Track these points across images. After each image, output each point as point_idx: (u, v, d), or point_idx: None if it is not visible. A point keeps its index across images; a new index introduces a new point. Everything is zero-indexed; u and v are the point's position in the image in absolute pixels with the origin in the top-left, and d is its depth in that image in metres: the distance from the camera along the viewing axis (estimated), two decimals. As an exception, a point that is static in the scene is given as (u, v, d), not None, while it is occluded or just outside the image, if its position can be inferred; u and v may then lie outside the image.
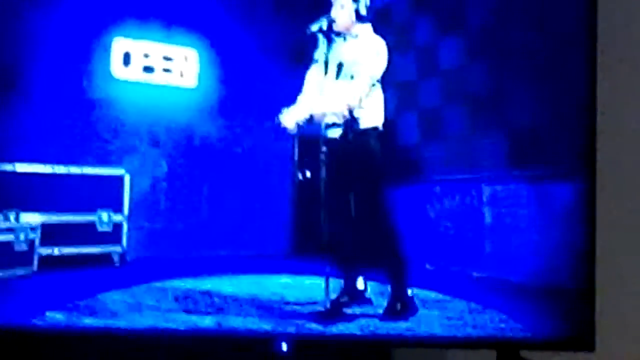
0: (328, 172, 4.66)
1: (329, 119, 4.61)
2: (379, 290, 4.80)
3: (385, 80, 4.69)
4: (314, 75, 4.76)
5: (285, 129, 4.85)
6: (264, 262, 6.76)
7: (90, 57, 6.80)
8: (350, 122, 4.51)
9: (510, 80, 5.62)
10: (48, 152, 6.34)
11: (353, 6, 4.58)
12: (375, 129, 4.58)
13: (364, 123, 4.54)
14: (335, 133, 4.61)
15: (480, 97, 5.95)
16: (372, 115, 4.57)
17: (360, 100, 4.49)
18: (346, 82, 4.56)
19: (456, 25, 6.25)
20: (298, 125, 4.82)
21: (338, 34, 4.64)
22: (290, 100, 4.91)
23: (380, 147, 4.61)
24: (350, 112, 4.50)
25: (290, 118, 4.82)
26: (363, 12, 4.60)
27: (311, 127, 4.80)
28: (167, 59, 7.21)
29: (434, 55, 6.51)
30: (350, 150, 4.56)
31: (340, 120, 4.56)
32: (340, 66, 4.57)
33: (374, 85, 4.54)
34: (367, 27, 4.65)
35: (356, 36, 4.61)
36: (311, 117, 4.77)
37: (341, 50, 4.63)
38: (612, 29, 4.37)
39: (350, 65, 4.55)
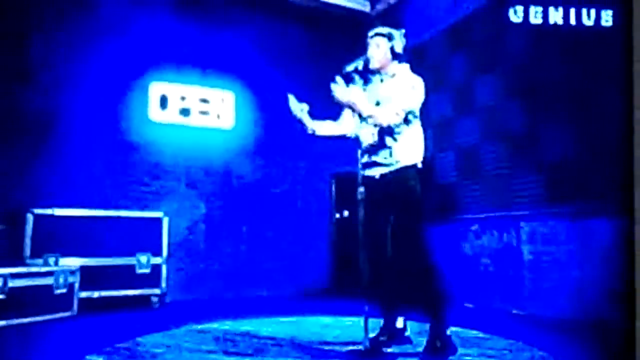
0: (366, 210, 4.64)
1: (366, 158, 4.60)
2: (418, 329, 4.76)
3: (423, 119, 4.68)
4: (349, 114, 4.76)
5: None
6: (303, 302, 6.75)
7: (128, 101, 6.88)
8: (387, 160, 4.50)
9: (547, 117, 5.62)
10: (87, 196, 6.40)
11: (388, 45, 4.58)
12: (414, 166, 4.55)
13: (404, 161, 4.52)
14: (374, 172, 4.59)
15: (517, 135, 5.94)
16: (411, 153, 4.55)
17: (389, 125, 4.47)
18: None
19: (491, 63, 6.26)
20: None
21: (373, 72, 4.64)
22: (326, 139, 4.92)
23: (420, 184, 4.58)
24: (391, 153, 4.48)
25: (319, 127, 4.81)
26: (399, 50, 4.60)
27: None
28: (203, 101, 7.28)
29: (470, 94, 6.52)
30: (389, 188, 4.54)
31: (374, 158, 4.55)
32: (377, 105, 4.56)
33: (409, 119, 4.52)
34: (405, 66, 4.64)
35: (393, 75, 4.60)
36: (337, 136, 4.80)
37: (378, 89, 4.62)
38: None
39: (386, 102, 4.53)
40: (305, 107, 4.71)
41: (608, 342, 4.09)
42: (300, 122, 4.72)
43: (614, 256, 4.16)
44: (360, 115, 4.55)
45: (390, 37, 4.62)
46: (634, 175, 4.10)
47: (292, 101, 4.68)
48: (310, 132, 4.74)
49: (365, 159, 4.60)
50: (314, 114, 4.70)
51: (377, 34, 4.64)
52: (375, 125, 4.50)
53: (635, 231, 4.08)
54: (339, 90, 4.43)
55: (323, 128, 4.82)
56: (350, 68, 4.58)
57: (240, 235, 7.43)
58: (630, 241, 4.06)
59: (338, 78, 4.43)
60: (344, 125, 4.82)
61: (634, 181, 4.10)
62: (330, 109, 4.73)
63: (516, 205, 5.86)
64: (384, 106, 4.48)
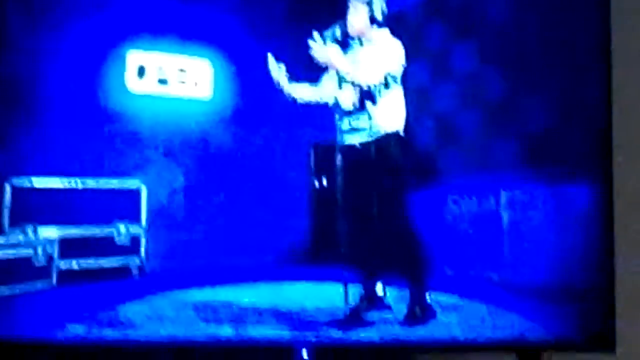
0: (346, 178, 4.65)
1: (346, 125, 4.59)
2: (398, 295, 4.78)
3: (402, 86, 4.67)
4: (328, 80, 4.75)
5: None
6: (282, 270, 6.76)
7: (105, 70, 6.82)
8: (368, 127, 4.49)
9: (526, 84, 5.61)
10: (64, 166, 6.35)
11: (368, 10, 4.56)
12: (396, 134, 4.55)
13: (386, 128, 4.51)
14: (354, 139, 4.58)
15: (496, 101, 5.94)
16: (393, 120, 4.54)
17: (374, 88, 4.45)
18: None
19: (470, 30, 6.25)
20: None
21: (352, 38, 4.62)
22: (304, 107, 4.90)
23: (401, 152, 4.58)
24: (370, 117, 4.47)
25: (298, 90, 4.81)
26: (378, 17, 4.58)
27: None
28: (181, 70, 7.23)
29: (448, 61, 6.51)
30: (370, 156, 4.53)
31: (355, 125, 4.54)
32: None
33: (388, 83, 4.50)
34: (384, 31, 4.61)
35: (372, 40, 4.58)
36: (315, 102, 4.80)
37: (357, 54, 4.60)
38: (625, 31, 4.35)
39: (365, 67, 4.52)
40: (282, 67, 4.70)
41: (587, 306, 4.12)
42: (277, 84, 4.72)
43: (592, 220, 4.18)
44: (339, 78, 4.54)
45: (369, 3, 4.60)
46: (612, 141, 4.12)
47: (271, 61, 4.67)
48: (287, 95, 4.74)
49: (345, 125, 4.59)
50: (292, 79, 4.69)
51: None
52: (354, 86, 4.49)
53: (613, 197, 4.11)
54: (317, 47, 4.41)
55: (301, 91, 4.81)
56: (328, 33, 4.57)
57: (219, 204, 7.42)
58: (609, 206, 4.09)
59: (316, 35, 4.41)
60: (323, 90, 4.80)
61: (612, 147, 4.12)
62: (309, 75, 4.71)
63: (495, 171, 5.88)
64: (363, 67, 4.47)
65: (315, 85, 4.84)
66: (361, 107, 4.51)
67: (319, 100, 4.82)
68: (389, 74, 4.48)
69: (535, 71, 5.47)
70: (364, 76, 4.43)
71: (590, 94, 4.27)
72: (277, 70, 4.74)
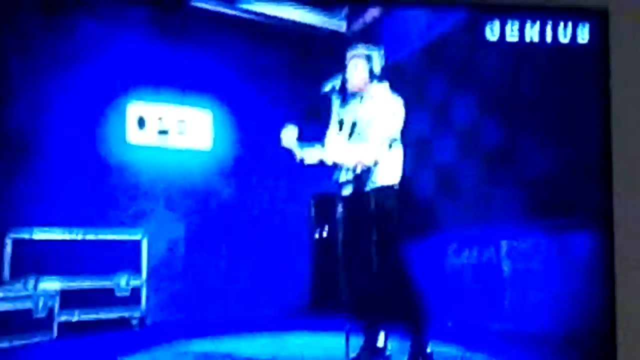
0: (345, 229, 4.65)
1: (343, 177, 4.60)
2: (399, 347, 4.76)
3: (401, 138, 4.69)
4: (331, 135, 4.76)
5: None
6: (283, 321, 6.74)
7: (106, 122, 6.85)
8: (364, 180, 4.50)
9: (525, 134, 5.64)
10: (65, 218, 6.36)
11: (367, 66, 4.59)
12: (391, 186, 4.56)
13: (380, 181, 4.52)
14: (348, 191, 4.59)
15: (495, 151, 5.97)
16: (389, 173, 4.55)
17: (375, 160, 4.48)
18: (358, 142, 4.54)
19: (469, 81, 6.29)
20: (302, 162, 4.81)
21: (353, 94, 4.65)
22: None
23: (397, 203, 4.59)
24: (364, 170, 4.49)
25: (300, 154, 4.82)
26: (377, 71, 4.60)
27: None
28: (181, 121, 7.26)
29: (447, 112, 6.55)
30: (367, 208, 4.54)
31: (352, 178, 4.55)
32: (354, 126, 4.56)
33: (391, 145, 4.53)
34: (383, 86, 4.63)
35: (372, 97, 4.60)
36: (321, 162, 4.78)
37: (356, 110, 4.62)
38: (625, 79, 4.38)
39: (365, 125, 4.53)
40: (295, 130, 4.73)
41: (588, 356, 4.11)
42: (289, 151, 4.74)
43: (593, 271, 4.19)
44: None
45: (369, 59, 4.63)
46: (612, 190, 4.13)
47: (289, 131, 4.72)
48: (299, 160, 4.75)
49: (342, 178, 4.60)
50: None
51: (355, 56, 4.65)
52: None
53: (614, 245, 4.11)
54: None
55: (312, 155, 4.83)
56: (327, 88, 4.60)
57: (220, 255, 7.42)
58: (610, 256, 4.10)
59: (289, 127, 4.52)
60: (330, 152, 4.81)
61: (612, 196, 4.14)
62: (310, 128, 4.74)
63: (495, 221, 5.89)
64: (362, 143, 4.50)
65: (324, 147, 4.85)
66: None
67: (325, 160, 4.83)
68: (391, 138, 4.51)
69: (534, 121, 5.50)
70: (369, 157, 4.48)
71: (590, 143, 4.29)
72: (291, 137, 4.77)
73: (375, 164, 4.48)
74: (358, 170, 4.50)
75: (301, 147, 4.72)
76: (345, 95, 4.68)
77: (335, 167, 4.60)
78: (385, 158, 4.51)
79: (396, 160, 4.59)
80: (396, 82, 4.71)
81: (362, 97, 4.65)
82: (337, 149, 4.61)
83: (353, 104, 4.68)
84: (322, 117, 4.69)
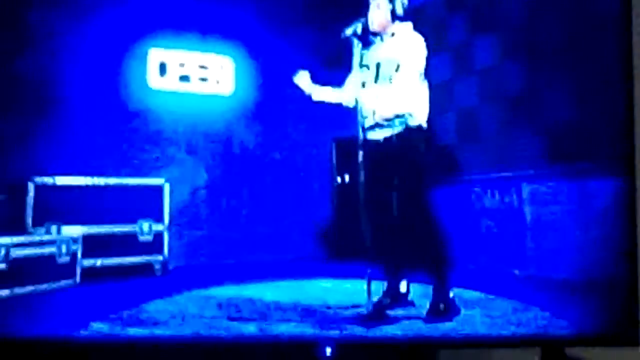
0: (368, 174, 4.61)
1: (370, 121, 4.55)
2: (421, 292, 4.75)
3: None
4: (352, 78, 4.71)
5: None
6: (305, 266, 6.75)
7: (127, 68, 6.83)
8: (392, 122, 4.45)
9: (547, 77, 5.58)
10: (87, 164, 6.37)
11: (389, 6, 4.53)
12: (419, 127, 4.51)
13: (410, 122, 4.47)
14: (377, 135, 4.54)
15: (517, 95, 5.91)
16: (418, 114, 4.51)
17: (404, 101, 4.43)
18: (385, 84, 4.49)
19: (491, 24, 6.22)
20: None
21: (374, 34, 4.59)
22: (326, 104, 4.89)
23: (425, 146, 4.54)
24: (393, 113, 4.45)
25: (319, 93, 4.80)
26: (400, 11, 4.54)
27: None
28: (202, 67, 7.23)
29: (469, 55, 6.48)
30: (394, 151, 4.50)
31: (384, 122, 4.50)
32: (378, 67, 4.51)
33: (418, 82, 4.48)
34: (406, 25, 4.58)
35: (393, 35, 4.55)
36: (337, 104, 4.77)
37: (378, 51, 4.57)
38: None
39: (390, 65, 4.48)
40: (307, 74, 4.72)
41: (611, 301, 4.09)
42: (301, 88, 4.73)
43: (615, 216, 4.15)
44: (362, 84, 4.54)
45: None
46: (634, 135, 4.08)
47: (303, 76, 4.72)
48: (307, 95, 4.73)
49: (369, 122, 4.56)
50: (313, 78, 4.68)
51: (377, -5, 4.59)
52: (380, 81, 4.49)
53: (636, 190, 4.07)
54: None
55: (322, 94, 4.80)
56: (349, 31, 4.55)
57: (242, 200, 7.42)
58: (632, 200, 4.05)
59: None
60: (346, 93, 4.78)
61: (634, 140, 4.08)
62: (333, 72, 4.70)
63: (517, 166, 5.85)
64: (389, 84, 4.46)
65: (339, 88, 4.81)
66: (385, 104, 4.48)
67: (341, 102, 4.79)
68: (418, 71, 4.47)
69: (558, 66, 5.44)
70: (389, 110, 4.44)
71: (612, 88, 4.23)
72: (302, 77, 4.74)
73: (404, 104, 4.44)
74: (387, 114, 4.46)
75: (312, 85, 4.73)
76: (367, 38, 4.62)
77: (356, 110, 4.56)
78: (413, 97, 4.47)
79: (423, 99, 4.54)
80: (418, 24, 4.65)
81: (383, 37, 4.60)
82: (363, 93, 4.57)
83: (375, 45, 4.63)
84: (344, 61, 4.64)
